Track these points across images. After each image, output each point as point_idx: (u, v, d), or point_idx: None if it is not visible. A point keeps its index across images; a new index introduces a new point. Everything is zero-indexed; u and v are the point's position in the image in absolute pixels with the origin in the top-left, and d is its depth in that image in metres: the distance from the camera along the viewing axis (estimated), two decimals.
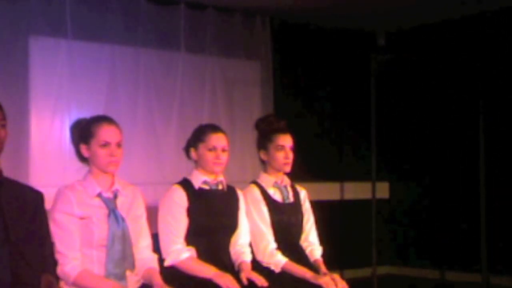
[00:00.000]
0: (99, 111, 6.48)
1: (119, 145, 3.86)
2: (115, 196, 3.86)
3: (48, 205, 3.71)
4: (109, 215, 3.78)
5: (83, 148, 3.86)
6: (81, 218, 3.73)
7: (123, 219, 3.80)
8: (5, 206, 3.40)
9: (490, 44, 7.53)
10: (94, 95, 6.57)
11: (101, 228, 3.74)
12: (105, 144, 3.81)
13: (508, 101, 7.44)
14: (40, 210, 3.62)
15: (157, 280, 3.82)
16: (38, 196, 3.64)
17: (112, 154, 3.82)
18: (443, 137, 8.01)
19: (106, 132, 3.84)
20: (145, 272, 3.87)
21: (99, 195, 3.81)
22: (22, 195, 3.55)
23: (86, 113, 6.40)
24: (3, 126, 3.44)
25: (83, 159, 3.91)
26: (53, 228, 3.68)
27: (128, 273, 3.81)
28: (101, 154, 3.81)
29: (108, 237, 3.75)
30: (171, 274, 3.99)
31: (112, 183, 3.89)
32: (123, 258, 3.79)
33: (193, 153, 4.30)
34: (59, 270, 3.66)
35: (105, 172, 3.85)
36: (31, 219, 3.52)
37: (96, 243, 3.74)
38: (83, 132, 3.88)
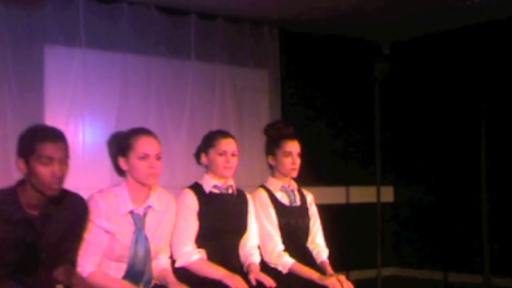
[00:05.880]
0: (112, 118, 6.59)
1: (158, 157, 3.77)
2: (146, 213, 3.79)
3: None
4: (134, 233, 3.73)
5: (121, 161, 3.78)
6: (106, 231, 3.69)
7: (146, 239, 3.75)
8: (53, 216, 3.40)
9: (491, 52, 7.58)
10: (107, 102, 6.61)
11: (123, 246, 3.71)
12: (144, 156, 3.73)
13: (509, 107, 7.49)
14: (84, 219, 3.60)
15: (171, 278, 3.86)
16: (84, 205, 3.61)
17: (152, 166, 3.73)
18: (446, 142, 8.05)
19: (145, 144, 3.76)
20: (159, 273, 3.90)
21: (131, 212, 3.75)
22: (71, 204, 3.53)
23: (99, 119, 6.62)
24: (66, 160, 3.34)
25: (120, 172, 3.84)
26: None
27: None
28: (140, 166, 3.72)
29: (130, 255, 3.73)
30: (182, 275, 4.02)
31: (147, 197, 3.81)
32: (141, 274, 3.78)
33: (203, 158, 4.36)
34: None
35: (144, 184, 3.78)
36: (72, 227, 3.52)
37: (115, 258, 3.73)
38: (121, 145, 3.80)
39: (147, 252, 3.77)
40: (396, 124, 8.54)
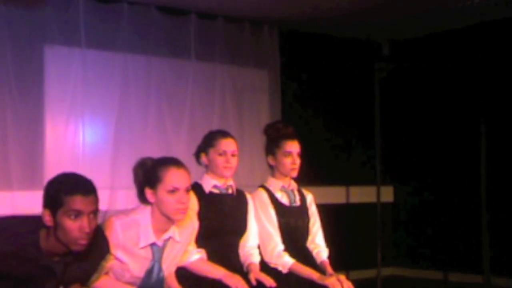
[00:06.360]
0: (112, 118, 6.59)
1: (187, 190, 3.57)
2: (165, 244, 3.68)
3: None
4: (149, 263, 3.65)
5: (149, 193, 3.57)
6: (116, 259, 3.59)
7: (161, 270, 3.68)
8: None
9: (491, 52, 7.57)
10: (107, 102, 6.59)
11: (135, 275, 3.64)
12: (174, 190, 3.51)
13: (509, 107, 7.48)
14: (104, 259, 3.51)
15: (174, 284, 3.87)
16: (106, 249, 3.47)
17: (181, 201, 3.52)
18: (445, 142, 8.04)
19: (174, 177, 3.54)
20: None
21: (151, 244, 3.62)
22: (94, 250, 3.33)
23: (99, 119, 6.61)
24: (96, 214, 3.13)
25: (144, 200, 3.64)
26: None
27: None
28: (169, 200, 3.51)
29: (140, 283, 3.66)
30: (182, 275, 4.03)
31: (169, 227, 3.66)
32: None
33: (203, 158, 4.38)
34: None
35: (170, 219, 3.60)
36: (92, 270, 3.43)
37: (124, 281, 3.65)
38: (148, 175, 3.59)
39: (160, 281, 3.72)
40: (396, 124, 8.53)
